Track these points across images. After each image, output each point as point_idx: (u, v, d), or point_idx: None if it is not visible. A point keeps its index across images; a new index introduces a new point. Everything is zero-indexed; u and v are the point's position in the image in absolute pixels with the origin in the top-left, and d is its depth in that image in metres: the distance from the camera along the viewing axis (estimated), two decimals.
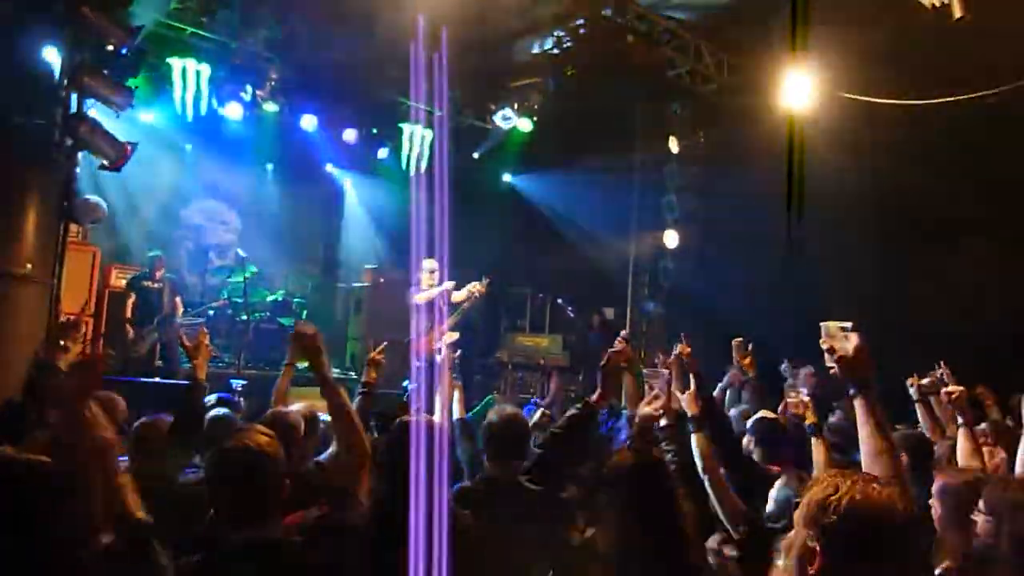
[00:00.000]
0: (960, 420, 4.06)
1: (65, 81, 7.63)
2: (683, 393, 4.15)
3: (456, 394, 5.18)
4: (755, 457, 4.51)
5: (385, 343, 5.49)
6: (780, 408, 5.25)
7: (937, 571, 2.95)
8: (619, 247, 12.55)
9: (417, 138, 12.25)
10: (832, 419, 5.70)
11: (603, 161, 11.49)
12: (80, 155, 7.76)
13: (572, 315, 11.90)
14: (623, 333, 7.09)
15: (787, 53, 9.20)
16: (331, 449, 3.68)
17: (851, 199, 9.42)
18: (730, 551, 3.56)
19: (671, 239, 12.06)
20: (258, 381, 9.21)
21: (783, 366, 7.66)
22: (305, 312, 11.79)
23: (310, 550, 2.64)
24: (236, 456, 2.60)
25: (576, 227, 12.31)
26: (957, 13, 6.97)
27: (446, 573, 2.80)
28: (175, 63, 10.03)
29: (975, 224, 9.26)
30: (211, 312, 10.76)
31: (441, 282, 9.46)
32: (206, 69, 10.26)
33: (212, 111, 10.51)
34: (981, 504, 2.90)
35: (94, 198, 8.23)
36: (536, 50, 10.80)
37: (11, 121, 7.35)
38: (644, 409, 3.89)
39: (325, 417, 4.33)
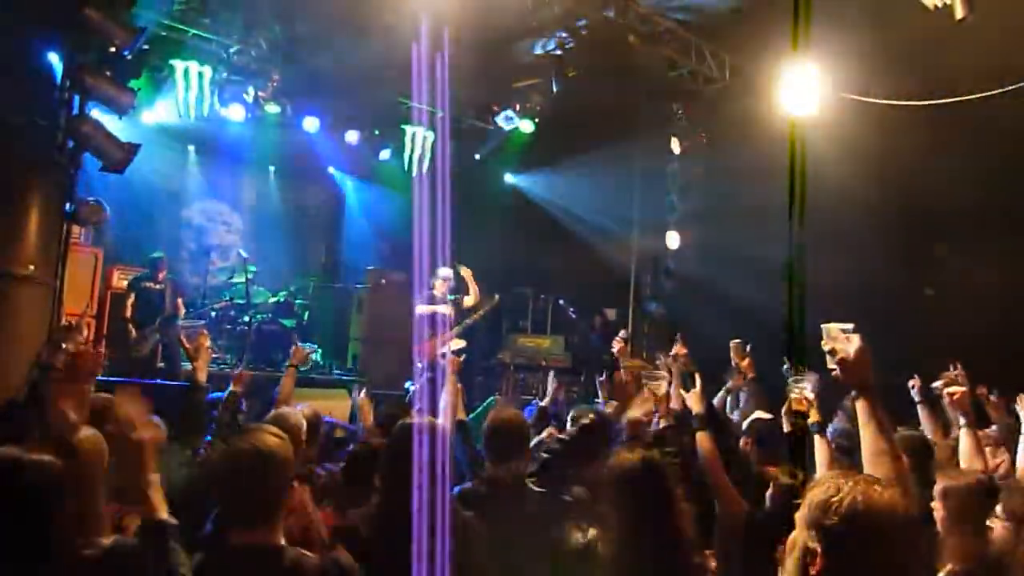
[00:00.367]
0: (963, 421, 4.04)
1: (67, 82, 7.64)
2: (687, 392, 4.15)
3: (457, 396, 5.18)
4: (752, 458, 4.51)
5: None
6: (784, 408, 5.25)
7: (940, 574, 2.94)
8: (621, 248, 12.54)
9: (419, 139, 12.27)
10: (835, 421, 5.70)
11: (605, 162, 11.50)
12: (82, 156, 7.77)
13: (574, 316, 11.90)
14: (622, 333, 7.10)
15: (789, 54, 9.21)
16: None
17: (856, 200, 9.41)
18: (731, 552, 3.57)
19: (673, 240, 12.05)
20: (259, 382, 9.22)
21: (785, 367, 7.64)
22: (307, 313, 11.80)
23: (309, 555, 2.63)
24: (246, 456, 2.58)
25: (578, 228, 12.32)
26: (959, 14, 6.96)
27: (448, 574, 2.81)
28: (177, 64, 10.05)
29: (981, 223, 9.23)
30: (213, 313, 10.77)
31: (453, 291, 9.61)
32: (208, 71, 10.28)
33: (214, 112, 10.53)
34: (999, 510, 2.89)
35: (96, 200, 8.22)
36: (538, 51, 10.80)
37: (13, 122, 7.36)
38: (634, 413, 3.90)
39: (329, 419, 4.34)
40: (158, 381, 8.87)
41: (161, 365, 9.82)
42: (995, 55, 7.61)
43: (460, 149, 13.04)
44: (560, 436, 3.87)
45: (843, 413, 5.77)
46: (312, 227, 13.86)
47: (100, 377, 3.69)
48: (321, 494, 3.83)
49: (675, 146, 12.03)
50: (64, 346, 3.70)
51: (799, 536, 1.96)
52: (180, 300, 10.20)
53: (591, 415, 3.76)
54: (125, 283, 10.08)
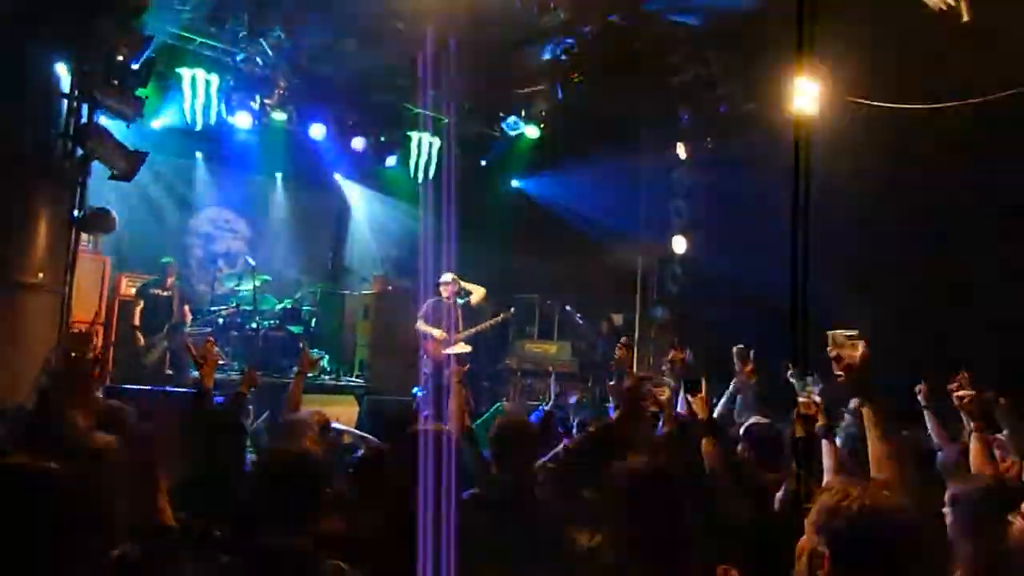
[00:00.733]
0: (972, 426, 4.03)
1: (76, 92, 7.69)
2: (693, 397, 4.15)
3: (463, 402, 5.18)
4: (749, 463, 4.50)
5: None
6: (795, 413, 5.23)
7: None
8: (627, 253, 12.53)
9: (425, 146, 12.30)
10: (843, 424, 5.69)
11: (611, 167, 11.50)
12: (90, 165, 7.81)
13: (580, 321, 11.90)
14: (624, 340, 7.13)
15: (794, 58, 9.21)
16: None
17: (863, 204, 9.39)
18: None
19: (679, 245, 12.04)
20: (267, 388, 9.25)
21: (790, 372, 7.62)
22: (314, 320, 11.82)
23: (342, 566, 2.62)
24: (285, 459, 2.58)
25: (584, 233, 12.31)
26: (966, 16, 6.96)
27: None
28: (184, 73, 10.11)
29: (989, 228, 9.18)
30: (220, 320, 10.80)
31: (453, 295, 9.77)
32: (215, 79, 10.35)
33: (221, 120, 10.58)
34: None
35: (105, 208, 8.26)
36: (543, 57, 10.82)
37: (22, 132, 7.41)
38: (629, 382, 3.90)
39: (337, 425, 4.35)
40: (166, 388, 8.90)
41: (169, 372, 9.85)
42: (1004, 58, 7.59)
43: (466, 155, 13.07)
44: (568, 443, 3.87)
45: (849, 416, 5.76)
46: (319, 233, 13.89)
47: (108, 384, 3.72)
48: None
49: (681, 151, 12.02)
50: (72, 354, 3.73)
51: (808, 540, 1.96)
52: (187, 307, 10.24)
53: (598, 422, 3.76)
54: (133, 290, 10.12)
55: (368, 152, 11.98)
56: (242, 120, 10.60)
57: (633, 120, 11.73)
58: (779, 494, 3.83)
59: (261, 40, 10.14)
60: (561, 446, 5.18)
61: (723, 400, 6.48)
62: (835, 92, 8.93)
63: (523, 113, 12.07)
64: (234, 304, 10.99)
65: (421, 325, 10.04)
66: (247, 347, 10.73)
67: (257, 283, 10.86)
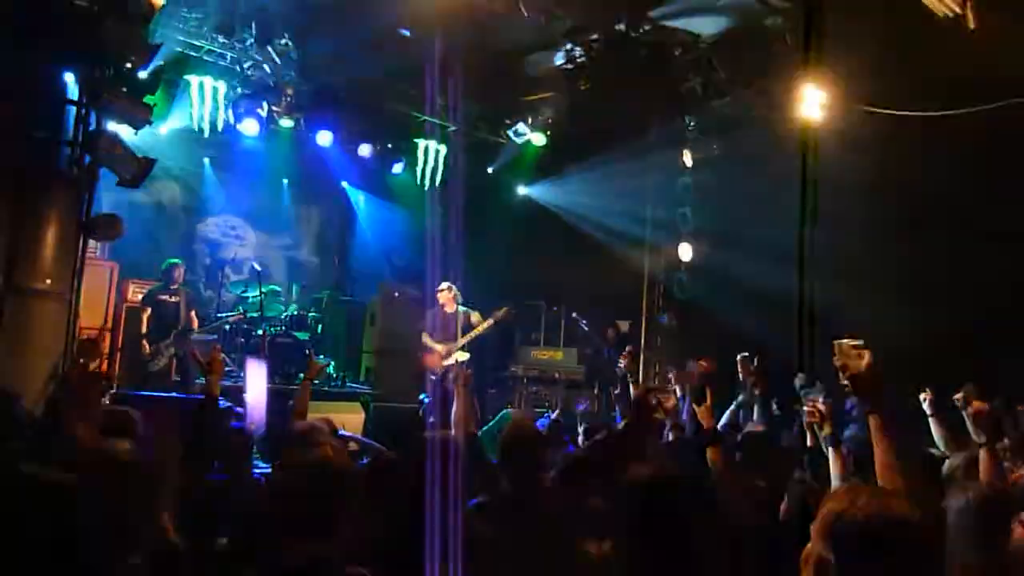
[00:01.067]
0: (982, 439, 4.00)
1: (84, 98, 7.74)
2: (699, 406, 4.15)
3: (469, 409, 5.19)
4: (747, 471, 4.50)
5: None
6: (805, 422, 5.23)
7: None
8: (633, 260, 12.53)
9: (432, 153, 12.34)
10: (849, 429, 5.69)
11: (617, 174, 11.50)
12: (99, 171, 7.85)
13: (586, 329, 11.90)
14: (629, 348, 7.17)
15: (801, 65, 9.22)
16: None
17: (869, 211, 9.37)
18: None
19: (685, 251, 12.04)
20: (273, 395, 9.25)
21: (796, 380, 7.62)
22: (320, 326, 11.84)
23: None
24: (309, 469, 2.56)
25: (590, 240, 12.31)
26: (972, 24, 6.97)
27: None
28: (192, 80, 10.16)
29: (1000, 234, 9.14)
30: (227, 327, 10.81)
31: (451, 303, 9.87)
32: (223, 86, 10.40)
33: (229, 127, 10.62)
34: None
35: (112, 214, 8.30)
36: (550, 64, 10.85)
37: (31, 138, 7.46)
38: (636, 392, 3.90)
39: (343, 432, 4.35)
40: (172, 394, 8.92)
41: (176, 379, 9.86)
42: (1012, 65, 7.59)
43: (472, 162, 13.10)
44: (575, 451, 3.87)
45: (856, 424, 5.75)
46: (325, 240, 13.92)
47: (115, 390, 3.72)
48: None
49: (687, 158, 12.02)
50: (82, 361, 3.74)
51: (814, 547, 1.96)
52: (194, 313, 10.25)
53: (604, 430, 3.76)
54: (140, 296, 10.13)
55: (375, 159, 12.01)
56: (249, 127, 10.63)
57: (639, 127, 11.74)
58: (784, 502, 3.82)
59: (269, 48, 10.19)
60: (568, 453, 5.19)
61: (730, 408, 6.49)
62: (841, 98, 8.94)
63: (530, 120, 12.10)
64: (241, 311, 11.01)
65: (426, 338, 10.14)
66: (253, 354, 10.73)
67: (266, 292, 10.89)
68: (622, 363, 6.71)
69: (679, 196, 12.20)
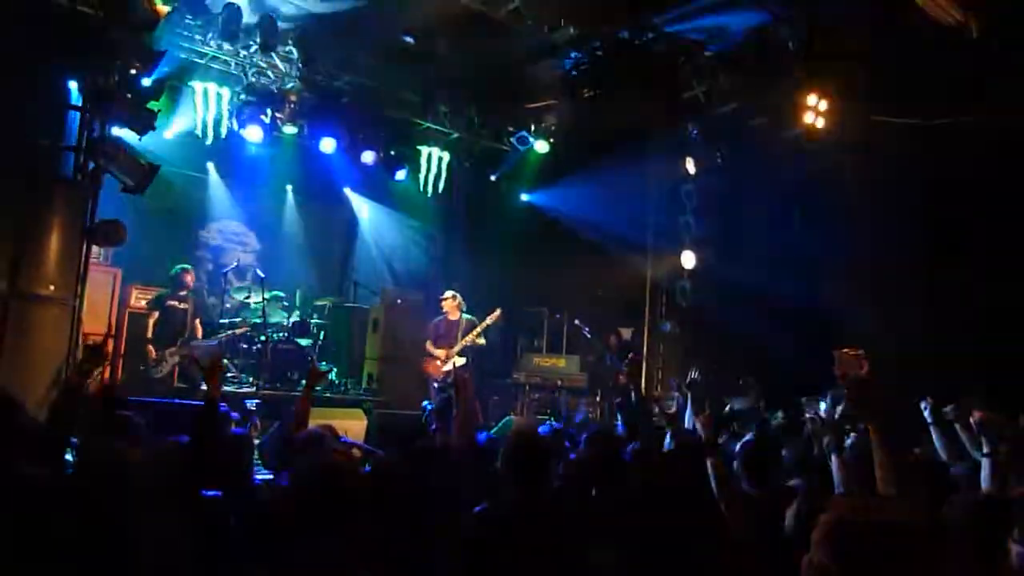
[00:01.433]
0: (986, 449, 4.00)
1: (88, 105, 7.77)
2: (698, 416, 4.15)
3: (471, 415, 5.18)
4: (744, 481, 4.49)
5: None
6: (812, 431, 5.24)
7: None
8: (636, 267, 12.53)
9: (435, 160, 12.36)
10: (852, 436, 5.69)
11: (620, 182, 11.50)
12: (102, 177, 7.87)
13: (588, 335, 11.89)
14: (632, 355, 7.18)
15: (803, 73, 9.24)
16: None
17: (873, 218, 9.38)
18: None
19: (688, 259, 12.03)
20: (275, 402, 9.26)
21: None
22: (323, 333, 11.84)
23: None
24: (322, 473, 2.57)
25: (593, 247, 12.31)
26: (975, 32, 6.98)
27: None
28: (196, 86, 10.19)
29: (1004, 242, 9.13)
30: (230, 333, 10.81)
31: (455, 311, 9.97)
32: (227, 92, 10.42)
33: (232, 133, 10.64)
34: (1016, 534, 2.86)
35: (116, 220, 8.31)
36: (553, 71, 10.86)
37: (35, 144, 7.49)
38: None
39: (346, 439, 4.34)
40: (175, 401, 8.92)
41: (180, 386, 9.85)
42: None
43: (475, 169, 13.13)
44: (577, 459, 3.87)
45: (857, 433, 5.75)
46: (328, 247, 13.93)
47: (118, 396, 3.72)
48: None
49: (690, 166, 12.03)
50: (86, 368, 3.74)
51: (814, 555, 1.96)
52: (198, 320, 10.26)
53: (608, 438, 3.76)
54: (144, 303, 10.13)
55: (378, 166, 12.02)
56: (253, 133, 10.64)
57: (642, 134, 11.75)
58: (790, 510, 3.82)
59: (273, 54, 10.22)
60: (570, 461, 5.18)
61: (723, 415, 6.49)
62: (843, 106, 8.95)
63: (533, 127, 12.11)
64: (243, 317, 11.02)
65: (428, 346, 10.25)
66: (256, 360, 10.74)
67: (267, 296, 10.89)
68: (625, 373, 6.73)
69: (682, 203, 12.20)
